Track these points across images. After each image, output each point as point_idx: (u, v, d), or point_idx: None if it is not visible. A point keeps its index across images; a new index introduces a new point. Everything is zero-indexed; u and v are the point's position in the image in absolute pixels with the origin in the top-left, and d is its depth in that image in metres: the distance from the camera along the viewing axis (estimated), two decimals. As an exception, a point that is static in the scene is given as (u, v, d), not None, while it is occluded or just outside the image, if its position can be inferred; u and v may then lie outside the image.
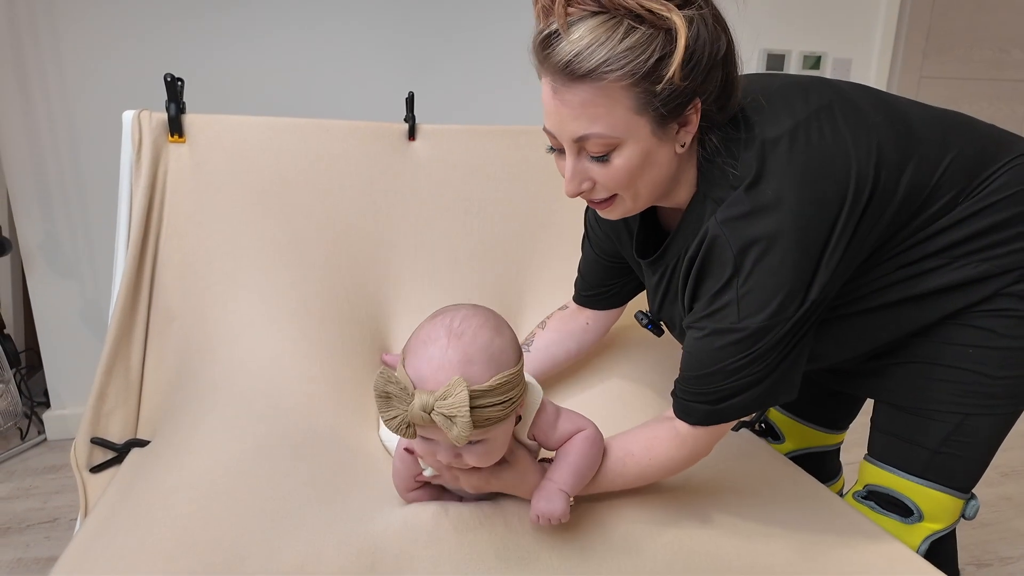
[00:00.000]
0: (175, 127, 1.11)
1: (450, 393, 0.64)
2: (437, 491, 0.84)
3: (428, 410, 0.64)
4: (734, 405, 0.75)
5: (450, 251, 1.21)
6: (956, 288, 0.80)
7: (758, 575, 0.74)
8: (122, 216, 1.09)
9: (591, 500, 0.82)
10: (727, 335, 0.73)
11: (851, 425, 1.16)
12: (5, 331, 1.96)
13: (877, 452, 0.91)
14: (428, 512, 0.77)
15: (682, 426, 0.79)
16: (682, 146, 0.73)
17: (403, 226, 1.21)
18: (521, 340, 1.09)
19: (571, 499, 0.77)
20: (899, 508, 0.88)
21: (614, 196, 0.77)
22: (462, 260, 1.22)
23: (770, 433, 1.18)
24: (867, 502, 0.91)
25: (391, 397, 0.66)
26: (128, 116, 1.09)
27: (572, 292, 1.10)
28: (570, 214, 1.26)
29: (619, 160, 0.71)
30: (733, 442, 1.08)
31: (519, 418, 0.77)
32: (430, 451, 0.71)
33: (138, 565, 0.69)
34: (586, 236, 1.03)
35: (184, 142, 1.12)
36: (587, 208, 1.00)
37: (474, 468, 0.76)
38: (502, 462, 0.77)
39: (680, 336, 0.86)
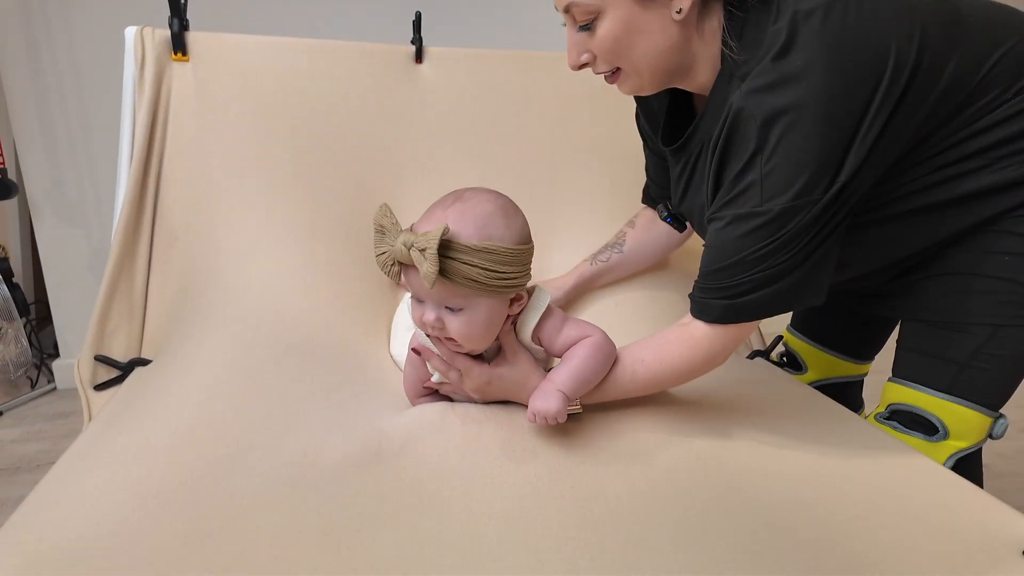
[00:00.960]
0: (178, 44, 1.08)
1: (430, 233, 0.64)
2: (445, 400, 0.82)
3: (408, 246, 0.65)
4: (756, 300, 0.72)
5: (457, 175, 1.17)
6: (995, 191, 0.76)
7: (770, 481, 0.71)
8: (125, 134, 1.07)
9: (601, 407, 0.80)
10: (750, 220, 0.69)
11: (869, 387, 1.12)
12: (14, 280, 1.95)
13: (902, 371, 0.88)
14: (435, 408, 0.77)
15: (698, 328, 0.76)
16: (679, 12, 0.71)
17: (410, 149, 1.18)
18: (612, 240, 1.10)
19: (577, 404, 0.75)
20: (923, 426, 0.85)
21: (619, 69, 0.77)
22: (469, 184, 1.17)
23: (792, 364, 1.15)
24: (890, 422, 0.88)
25: (385, 232, 0.69)
26: (131, 32, 1.07)
27: (580, 218, 1.08)
28: (579, 139, 1.23)
29: (602, 29, 0.73)
30: (751, 370, 1.05)
31: (517, 317, 0.75)
32: (419, 313, 0.71)
33: (140, 459, 0.68)
34: (644, 143, 1.04)
35: (188, 60, 1.09)
36: (636, 113, 0.99)
37: (474, 364, 0.75)
38: (503, 363, 0.76)
39: (700, 229, 0.83)
